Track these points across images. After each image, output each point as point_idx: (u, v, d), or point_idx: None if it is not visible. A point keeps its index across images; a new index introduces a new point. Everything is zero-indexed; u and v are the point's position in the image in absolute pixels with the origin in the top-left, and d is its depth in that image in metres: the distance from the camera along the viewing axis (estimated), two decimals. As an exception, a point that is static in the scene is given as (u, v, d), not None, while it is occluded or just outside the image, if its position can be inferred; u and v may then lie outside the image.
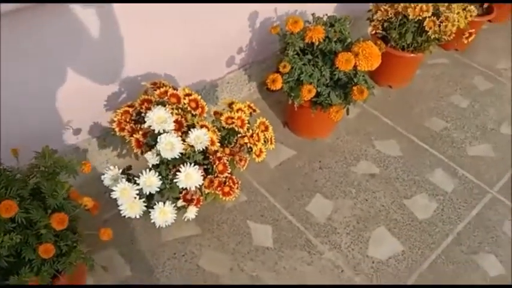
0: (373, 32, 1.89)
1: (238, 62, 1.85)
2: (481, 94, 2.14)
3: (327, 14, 1.65)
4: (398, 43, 1.87)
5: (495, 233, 1.59)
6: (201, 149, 1.23)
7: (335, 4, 2.03)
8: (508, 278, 1.46)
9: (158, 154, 1.20)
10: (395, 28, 1.83)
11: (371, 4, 1.89)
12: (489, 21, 2.58)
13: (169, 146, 1.18)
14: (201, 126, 1.28)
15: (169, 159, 1.18)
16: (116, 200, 1.16)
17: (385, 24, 1.85)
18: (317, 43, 1.48)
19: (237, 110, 1.39)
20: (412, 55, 1.91)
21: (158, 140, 1.18)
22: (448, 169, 1.78)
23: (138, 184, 1.17)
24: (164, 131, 1.20)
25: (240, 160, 1.34)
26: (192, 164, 1.20)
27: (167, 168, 1.21)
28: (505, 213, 1.64)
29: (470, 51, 2.38)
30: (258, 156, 1.37)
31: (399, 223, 1.58)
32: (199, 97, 1.36)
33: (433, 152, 1.84)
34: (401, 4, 1.75)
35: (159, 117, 1.21)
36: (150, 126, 1.20)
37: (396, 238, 1.54)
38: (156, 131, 1.20)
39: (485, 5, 2.23)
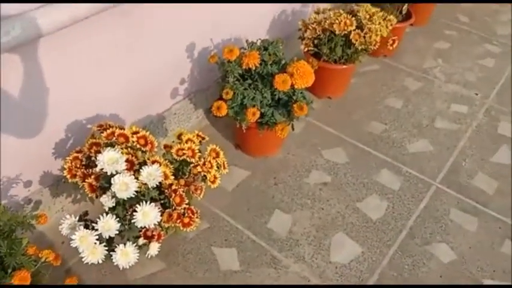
0: (306, 49, 1.99)
1: (182, 92, 1.89)
2: (412, 94, 2.29)
3: (260, 39, 1.73)
4: (330, 57, 1.98)
5: (443, 222, 1.70)
6: (155, 185, 1.25)
7: (267, 27, 2.13)
8: (460, 264, 1.57)
9: (114, 196, 1.21)
10: (325, 44, 1.94)
11: (300, 23, 2.00)
12: (411, 25, 2.78)
13: (124, 186, 1.20)
14: (153, 162, 1.30)
15: (125, 199, 1.20)
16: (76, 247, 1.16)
17: (316, 41, 1.96)
18: (254, 68, 1.56)
19: (187, 141, 1.42)
20: (344, 67, 2.03)
21: (112, 181, 1.19)
22: (392, 168, 1.89)
23: (96, 230, 1.17)
24: (117, 172, 1.22)
25: (196, 189, 1.37)
26: (148, 202, 1.22)
27: (124, 209, 1.22)
28: (450, 202, 1.77)
29: (397, 55, 2.55)
30: (213, 182, 1.41)
31: (355, 226, 1.66)
32: (148, 133, 1.39)
33: (377, 154, 1.96)
34: (328, 21, 1.87)
35: (110, 159, 1.22)
36: (102, 169, 1.21)
37: (355, 241, 1.62)
38: (108, 173, 1.21)
39: (404, 12, 2.40)
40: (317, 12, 1.99)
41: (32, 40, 1.18)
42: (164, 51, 1.68)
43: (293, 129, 1.72)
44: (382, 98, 2.26)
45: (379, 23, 1.90)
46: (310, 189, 1.78)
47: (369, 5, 1.94)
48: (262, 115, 1.63)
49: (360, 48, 1.89)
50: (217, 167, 1.44)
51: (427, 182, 1.85)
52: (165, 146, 1.45)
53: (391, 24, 1.94)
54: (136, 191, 1.20)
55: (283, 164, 1.89)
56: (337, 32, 1.85)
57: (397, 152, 1.97)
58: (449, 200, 1.78)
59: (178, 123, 1.94)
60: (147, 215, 1.20)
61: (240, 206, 1.71)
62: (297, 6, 2.27)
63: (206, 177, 1.40)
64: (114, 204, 1.22)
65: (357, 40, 1.87)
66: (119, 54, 1.52)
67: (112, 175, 1.21)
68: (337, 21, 1.84)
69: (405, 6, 2.38)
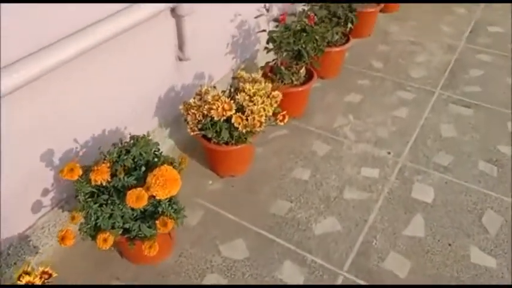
0: (192, 133, 1.81)
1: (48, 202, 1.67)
2: (321, 160, 2.13)
3: (126, 141, 1.54)
4: (218, 140, 1.80)
5: (351, 321, 1.51)
6: None
7: (153, 110, 1.95)
8: None
9: None
10: (209, 128, 1.76)
11: (181, 107, 1.82)
12: (321, 77, 2.67)
13: None
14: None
15: None
16: None
17: (200, 125, 1.78)
18: (105, 183, 1.35)
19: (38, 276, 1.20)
20: (238, 147, 1.86)
21: None
22: (296, 259, 1.70)
23: None
24: None
25: None
26: None
27: None
28: (357, 294, 1.59)
29: (307, 115, 2.41)
30: None
31: None
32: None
33: (280, 242, 1.76)
34: (206, 106, 1.70)
35: None
36: None
37: None
38: None
39: (303, 74, 2.27)
40: (199, 94, 1.82)
41: None
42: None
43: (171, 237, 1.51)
44: (289, 170, 2.09)
45: (263, 102, 1.74)
46: (202, 300, 1.57)
47: (251, 84, 1.78)
48: (128, 230, 1.41)
49: (244, 131, 1.72)
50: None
51: (333, 271, 1.66)
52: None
53: (276, 102, 1.78)
54: None
55: (174, 270, 1.67)
56: (215, 119, 1.67)
57: (302, 236, 1.79)
58: (358, 291, 1.60)
59: (52, 238, 1.70)
60: None
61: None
62: (185, 83, 2.10)
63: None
64: None
65: (239, 123, 1.70)
66: None
67: None
68: (214, 106, 1.67)
69: (302, 70, 2.24)
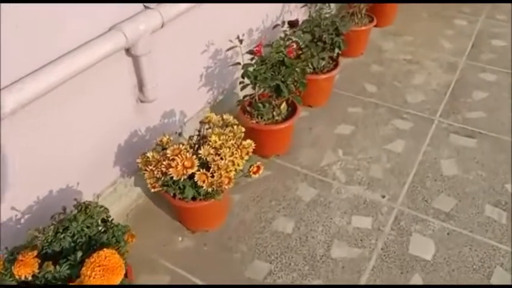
0: (152, 190, 1.58)
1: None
2: (306, 208, 1.89)
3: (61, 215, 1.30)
4: (183, 198, 1.57)
5: None
6: None
7: (113, 167, 1.71)
8: None
9: None
10: (170, 185, 1.53)
11: (138, 160, 1.58)
12: (309, 106, 2.43)
13: None
14: None
15: None
16: None
17: (160, 182, 1.54)
18: (30, 278, 1.11)
19: None
20: (207, 203, 1.62)
21: None
22: (274, 338, 1.46)
23: None
24: None
25: None
26: None
27: None
28: None
29: (293, 150, 2.17)
30: None
31: None
32: None
33: (257, 317, 1.53)
34: (165, 162, 1.46)
35: None
36: None
37: None
38: None
39: (284, 110, 2.03)
40: (160, 144, 1.59)
41: None
42: None
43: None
44: (270, 220, 1.85)
45: (232, 154, 1.50)
46: None
47: (217, 135, 1.53)
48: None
49: (209, 190, 1.48)
50: None
51: None
52: None
53: (248, 153, 1.54)
54: None
55: None
56: (175, 178, 1.43)
57: (283, 308, 1.54)
58: None
59: None
60: None
61: None
62: (152, 124, 1.87)
63: None
64: None
65: (204, 181, 1.46)
66: None
67: None
68: (173, 164, 1.43)
69: (283, 105, 2.00)
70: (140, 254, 1.63)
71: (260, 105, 1.92)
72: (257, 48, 1.88)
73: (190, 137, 1.67)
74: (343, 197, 1.93)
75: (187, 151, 1.48)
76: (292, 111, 2.08)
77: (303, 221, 1.84)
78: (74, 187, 1.61)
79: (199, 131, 1.67)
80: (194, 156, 1.45)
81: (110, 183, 1.78)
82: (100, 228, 1.32)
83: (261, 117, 2.01)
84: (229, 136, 1.52)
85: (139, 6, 1.59)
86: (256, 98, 1.97)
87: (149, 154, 1.53)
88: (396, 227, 1.80)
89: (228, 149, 1.49)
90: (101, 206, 1.37)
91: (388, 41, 3.05)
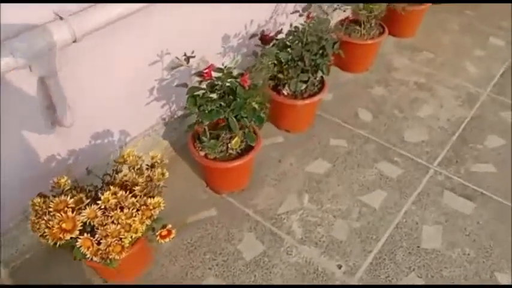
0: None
1: None
2: (244, 269, 1.58)
3: None
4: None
5: None
6: None
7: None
8: None
9: None
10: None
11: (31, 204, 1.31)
12: (286, 130, 2.08)
13: None
14: None
15: None
16: None
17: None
18: None
19: None
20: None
21: None
22: None
23: None
24: None
25: None
26: None
27: None
28: None
29: (251, 187, 1.85)
30: None
31: None
32: None
33: None
34: (46, 217, 1.18)
35: None
36: None
37: None
38: None
39: (237, 146, 1.70)
40: (56, 186, 1.31)
41: None
42: None
43: None
44: (196, 280, 1.56)
45: (131, 216, 1.20)
46: None
47: (110, 191, 1.23)
48: None
49: (95, 259, 1.20)
50: None
51: None
52: None
53: (151, 217, 1.23)
54: None
55: None
56: (51, 244, 1.16)
57: None
58: None
59: None
60: None
61: None
62: (77, 147, 1.59)
63: None
64: None
65: (89, 248, 1.18)
66: None
67: None
68: (50, 224, 1.15)
69: (235, 140, 1.67)
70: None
71: (204, 138, 1.60)
72: (207, 70, 1.54)
73: (104, 176, 1.39)
74: (291, 261, 1.61)
75: (78, 205, 1.19)
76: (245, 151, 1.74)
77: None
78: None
79: (114, 171, 1.38)
80: (78, 217, 1.16)
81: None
82: None
83: (212, 149, 1.69)
84: (125, 196, 1.22)
85: (49, 15, 1.28)
86: (206, 127, 1.65)
87: (36, 200, 1.25)
88: (344, 313, 1.47)
89: (126, 210, 1.19)
90: None
91: (403, 56, 2.61)
